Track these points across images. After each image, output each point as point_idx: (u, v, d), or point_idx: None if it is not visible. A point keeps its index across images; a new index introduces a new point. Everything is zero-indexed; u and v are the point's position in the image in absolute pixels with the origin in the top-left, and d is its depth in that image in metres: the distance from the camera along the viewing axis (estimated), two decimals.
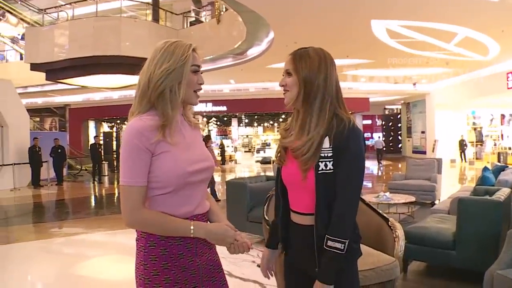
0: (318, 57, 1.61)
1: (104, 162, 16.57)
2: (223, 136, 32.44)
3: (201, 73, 1.61)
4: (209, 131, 30.50)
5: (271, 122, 34.51)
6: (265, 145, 28.41)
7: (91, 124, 28.01)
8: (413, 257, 4.32)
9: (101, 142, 17.59)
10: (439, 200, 8.27)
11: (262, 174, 9.79)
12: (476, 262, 3.79)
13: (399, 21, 11.24)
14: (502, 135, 22.45)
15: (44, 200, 11.37)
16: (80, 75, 13.16)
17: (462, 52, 13.98)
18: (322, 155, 1.53)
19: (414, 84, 20.48)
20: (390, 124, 31.59)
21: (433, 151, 22.04)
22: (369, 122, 33.41)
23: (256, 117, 32.03)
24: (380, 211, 3.37)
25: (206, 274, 1.58)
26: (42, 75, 13.84)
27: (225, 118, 31.29)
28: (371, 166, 20.07)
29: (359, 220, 1.65)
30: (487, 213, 3.85)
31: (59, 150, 14.16)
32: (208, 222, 1.65)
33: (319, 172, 1.53)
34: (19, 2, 15.61)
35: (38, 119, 25.65)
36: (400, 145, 29.73)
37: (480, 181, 6.08)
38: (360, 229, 1.69)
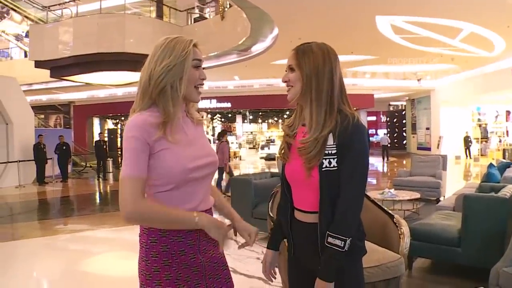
0: (322, 52, 1.59)
1: (108, 159, 16.61)
2: (228, 133, 32.40)
3: (204, 69, 1.60)
4: (213, 127, 30.52)
5: (275, 119, 34.49)
6: (270, 141, 28.37)
7: (96, 121, 28.10)
8: (418, 254, 4.30)
9: (106, 139, 17.62)
10: (444, 196, 8.24)
11: (267, 170, 9.77)
12: (481, 259, 3.77)
13: (404, 17, 11.18)
14: (507, 131, 22.28)
15: (49, 197, 11.41)
16: (84, 72, 13.18)
17: (467, 48, 13.90)
18: (326, 152, 1.52)
19: (419, 80, 20.39)
20: (394, 120, 31.50)
21: (438, 147, 21.94)
22: (373, 118, 33.35)
23: (260, 113, 32.00)
24: (385, 208, 3.37)
25: (210, 271, 1.57)
26: (47, 72, 13.87)
27: (230, 115, 31.26)
28: (376, 162, 20.04)
29: (364, 217, 1.64)
30: (493, 210, 3.83)
31: (64, 147, 14.20)
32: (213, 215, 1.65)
33: (323, 169, 1.51)
34: (23, 0, 15.65)
35: (42, 116, 25.77)
36: (404, 142, 29.66)
37: (486, 178, 6.06)
38: (365, 226, 1.67)
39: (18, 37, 19.09)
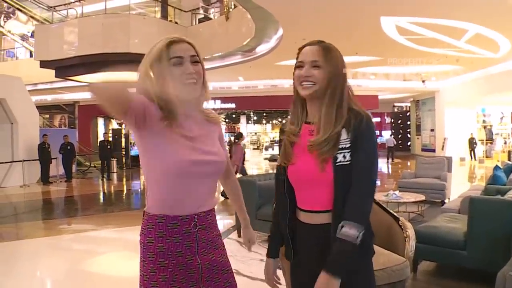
0: (338, 51, 1.60)
1: (113, 159, 16.63)
2: (232, 134, 32.48)
3: (208, 69, 1.59)
4: None
5: (279, 120, 34.43)
6: (274, 142, 28.33)
7: (100, 121, 28.10)
8: (423, 257, 4.26)
9: (110, 139, 17.62)
10: (449, 199, 8.20)
11: (271, 171, 9.75)
12: (487, 263, 3.73)
13: (408, 17, 11.14)
14: None
15: (53, 196, 11.44)
16: (89, 72, 13.20)
17: (472, 49, 13.84)
18: (341, 146, 1.49)
19: (423, 81, 20.32)
20: (399, 121, 31.41)
21: (442, 149, 21.85)
22: (378, 119, 33.19)
23: (264, 114, 32.01)
24: (390, 210, 3.34)
25: (207, 274, 1.56)
26: (52, 72, 13.92)
27: (234, 115, 31.27)
28: (380, 164, 19.95)
29: (370, 219, 1.62)
30: (499, 213, 3.79)
31: (68, 147, 14.23)
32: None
33: (337, 164, 1.48)
34: (29, 0, 15.72)
35: (47, 116, 25.82)
36: (409, 143, 29.55)
37: (491, 180, 6.01)
38: None
39: (23, 37, 19.18)
